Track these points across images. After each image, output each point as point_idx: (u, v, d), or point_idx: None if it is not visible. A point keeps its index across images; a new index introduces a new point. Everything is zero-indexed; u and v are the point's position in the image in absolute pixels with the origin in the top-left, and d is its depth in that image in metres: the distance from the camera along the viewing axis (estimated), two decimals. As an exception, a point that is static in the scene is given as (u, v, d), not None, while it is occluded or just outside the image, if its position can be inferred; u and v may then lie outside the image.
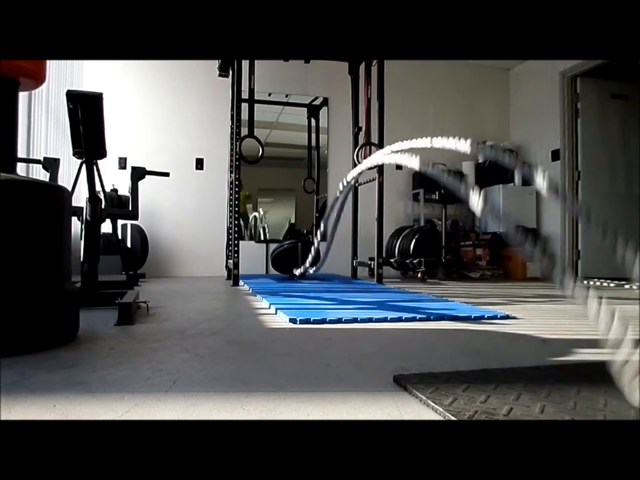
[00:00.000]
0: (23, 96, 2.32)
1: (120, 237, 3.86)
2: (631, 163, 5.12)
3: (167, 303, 2.56)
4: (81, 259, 2.23)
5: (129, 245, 4.21)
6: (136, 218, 3.04)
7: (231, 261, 3.84)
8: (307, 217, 5.47)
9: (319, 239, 2.87)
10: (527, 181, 5.38)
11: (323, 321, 1.94)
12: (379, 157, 1.58)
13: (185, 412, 0.89)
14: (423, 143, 1.25)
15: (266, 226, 5.38)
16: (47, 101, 3.66)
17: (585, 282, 4.56)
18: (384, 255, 4.31)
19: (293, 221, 5.58)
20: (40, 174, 3.15)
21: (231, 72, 4.40)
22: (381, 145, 4.03)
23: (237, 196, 3.76)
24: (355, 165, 4.50)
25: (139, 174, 3.07)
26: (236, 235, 3.69)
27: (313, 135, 5.42)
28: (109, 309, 2.10)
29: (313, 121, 5.42)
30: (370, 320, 1.99)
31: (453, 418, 0.83)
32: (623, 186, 5.14)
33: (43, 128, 3.59)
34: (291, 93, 5.33)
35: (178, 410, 0.90)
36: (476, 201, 1.00)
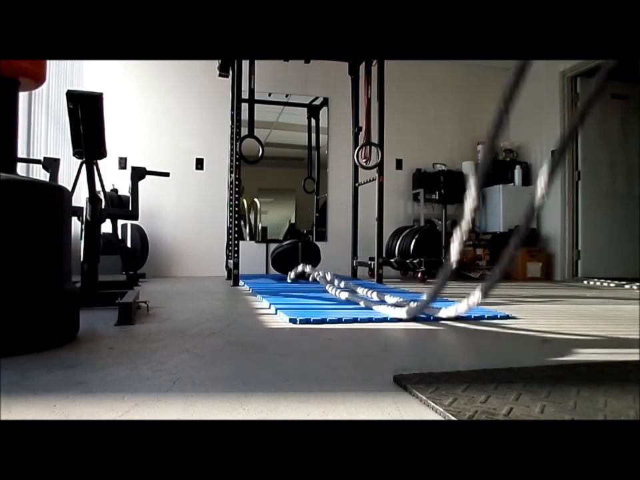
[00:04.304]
0: (23, 96, 2.32)
1: (120, 237, 3.86)
2: (631, 162, 5.12)
3: (167, 303, 2.56)
4: (81, 259, 2.23)
5: (129, 245, 4.21)
6: (136, 218, 3.04)
7: (231, 261, 3.84)
8: (307, 217, 5.47)
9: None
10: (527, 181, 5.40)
11: (323, 321, 1.94)
12: None
13: (185, 412, 0.89)
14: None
15: (257, 220, 5.34)
16: (47, 100, 3.66)
17: (585, 282, 4.56)
18: (384, 254, 4.32)
19: (293, 220, 5.58)
20: (40, 174, 3.15)
21: (230, 72, 4.40)
22: (381, 145, 4.03)
23: (237, 196, 3.76)
24: (355, 165, 4.52)
25: (139, 174, 3.07)
26: (236, 235, 3.69)
27: (313, 135, 5.42)
28: (109, 308, 2.10)
29: (313, 121, 5.42)
30: (370, 320, 1.99)
31: (453, 418, 0.83)
32: (623, 186, 5.14)
33: (43, 128, 3.58)
34: (291, 93, 5.33)
35: (178, 410, 0.90)
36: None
